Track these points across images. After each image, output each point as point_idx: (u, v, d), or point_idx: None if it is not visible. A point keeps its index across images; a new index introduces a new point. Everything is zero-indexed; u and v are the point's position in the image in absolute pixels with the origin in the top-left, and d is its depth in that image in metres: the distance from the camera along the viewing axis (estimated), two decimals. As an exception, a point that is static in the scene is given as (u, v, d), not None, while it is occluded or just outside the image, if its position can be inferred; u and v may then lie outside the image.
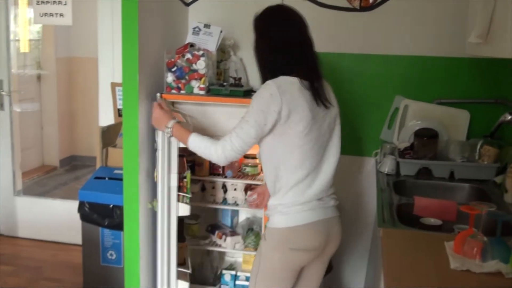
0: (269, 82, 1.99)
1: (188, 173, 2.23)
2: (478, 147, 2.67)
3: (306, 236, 2.05)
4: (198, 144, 2.08)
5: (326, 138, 2.10)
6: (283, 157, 2.03)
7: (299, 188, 2.04)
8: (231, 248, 2.62)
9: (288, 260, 2.07)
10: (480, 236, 1.70)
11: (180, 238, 2.48)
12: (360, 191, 3.21)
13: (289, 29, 2.05)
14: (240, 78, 2.87)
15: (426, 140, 2.77)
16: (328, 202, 2.11)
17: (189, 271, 2.36)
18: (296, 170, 2.02)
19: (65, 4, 3.81)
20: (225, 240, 2.63)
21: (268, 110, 1.95)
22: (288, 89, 1.97)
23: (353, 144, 3.14)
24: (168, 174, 2.29)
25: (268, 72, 2.06)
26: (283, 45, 2.03)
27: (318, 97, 2.01)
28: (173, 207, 2.31)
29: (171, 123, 2.15)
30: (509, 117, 2.32)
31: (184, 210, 2.31)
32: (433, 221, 2.26)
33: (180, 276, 2.37)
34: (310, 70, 2.04)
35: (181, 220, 2.49)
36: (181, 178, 2.30)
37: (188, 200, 2.31)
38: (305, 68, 2.03)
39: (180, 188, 2.32)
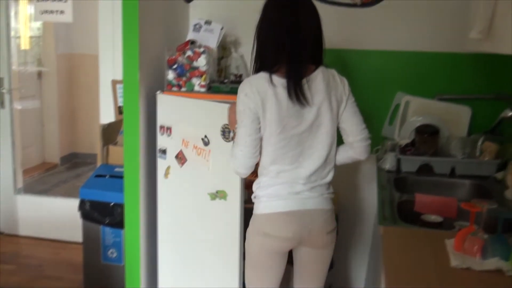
0: (244, 81, 2.04)
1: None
2: (479, 143, 2.67)
3: (278, 225, 2.08)
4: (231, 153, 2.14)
5: (306, 135, 2.05)
6: (262, 150, 2.07)
7: (272, 178, 2.08)
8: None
9: (263, 245, 2.11)
10: (480, 234, 1.70)
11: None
12: (361, 188, 3.20)
13: (285, 16, 1.99)
14: (241, 75, 2.86)
15: (427, 136, 2.76)
16: (309, 194, 2.10)
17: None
18: (268, 165, 2.07)
19: (65, 1, 3.81)
20: None
21: (244, 109, 2.00)
22: (261, 87, 1.98)
23: (354, 141, 3.13)
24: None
25: (255, 61, 2.08)
26: (274, 33, 2.00)
27: (294, 95, 1.98)
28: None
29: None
30: (510, 113, 2.32)
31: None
32: (434, 218, 2.25)
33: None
34: (293, 66, 1.99)
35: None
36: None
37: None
38: (289, 64, 1.99)
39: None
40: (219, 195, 2.50)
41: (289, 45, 1.97)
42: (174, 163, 2.64)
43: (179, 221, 2.71)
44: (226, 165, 2.27)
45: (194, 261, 2.69)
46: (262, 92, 1.98)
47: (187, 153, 2.59)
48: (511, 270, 1.60)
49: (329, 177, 2.15)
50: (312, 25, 2.03)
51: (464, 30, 2.66)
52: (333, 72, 2.09)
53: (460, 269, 1.62)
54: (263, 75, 2.00)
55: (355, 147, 2.16)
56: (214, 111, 2.44)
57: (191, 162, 2.59)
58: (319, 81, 2.03)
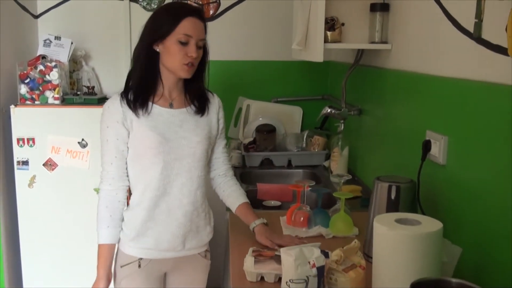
0: None
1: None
2: (304, 137, 3.12)
3: None
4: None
5: None
6: None
7: None
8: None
9: None
10: (305, 208, 2.08)
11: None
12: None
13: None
14: (93, 87, 3.03)
15: (266, 134, 3.15)
16: None
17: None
18: None
19: None
20: None
21: None
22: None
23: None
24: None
25: None
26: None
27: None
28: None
29: None
30: (328, 110, 2.75)
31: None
32: (273, 203, 2.63)
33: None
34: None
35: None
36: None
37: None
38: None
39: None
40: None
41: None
42: (41, 171, 2.79)
43: (45, 227, 2.83)
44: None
45: (60, 261, 2.85)
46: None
47: (58, 159, 2.79)
48: (330, 234, 1.99)
49: None
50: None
51: (290, 42, 3.10)
52: None
53: (290, 237, 1.98)
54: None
55: None
56: (88, 117, 2.78)
57: (64, 166, 2.81)
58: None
